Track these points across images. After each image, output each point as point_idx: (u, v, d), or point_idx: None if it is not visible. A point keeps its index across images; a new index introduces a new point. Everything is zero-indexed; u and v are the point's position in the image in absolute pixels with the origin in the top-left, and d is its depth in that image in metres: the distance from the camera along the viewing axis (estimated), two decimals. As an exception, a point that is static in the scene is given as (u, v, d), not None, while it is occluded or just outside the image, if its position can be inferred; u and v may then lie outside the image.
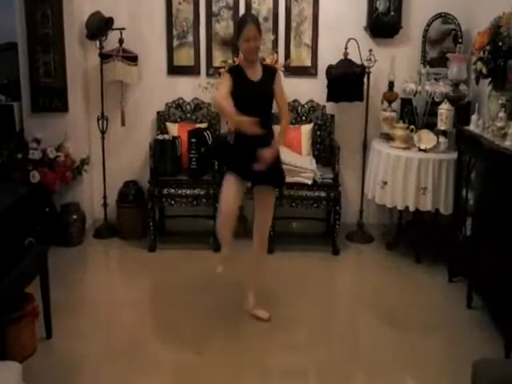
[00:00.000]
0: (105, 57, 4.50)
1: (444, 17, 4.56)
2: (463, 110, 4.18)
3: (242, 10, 4.64)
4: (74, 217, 4.50)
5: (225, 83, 3.24)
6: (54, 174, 4.31)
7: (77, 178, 4.55)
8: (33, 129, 4.52)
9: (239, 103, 3.19)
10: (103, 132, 4.67)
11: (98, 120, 4.65)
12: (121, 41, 4.51)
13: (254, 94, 3.22)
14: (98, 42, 4.50)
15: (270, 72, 3.32)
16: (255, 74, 3.27)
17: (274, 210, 3.45)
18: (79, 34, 4.53)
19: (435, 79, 4.48)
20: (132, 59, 4.54)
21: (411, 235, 4.51)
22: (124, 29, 4.50)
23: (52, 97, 4.53)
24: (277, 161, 3.29)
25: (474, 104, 4.04)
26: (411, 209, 4.14)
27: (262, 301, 3.54)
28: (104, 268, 4.49)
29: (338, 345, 3.27)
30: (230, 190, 3.26)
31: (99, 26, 4.39)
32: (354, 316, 3.73)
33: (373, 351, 3.21)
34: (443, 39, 4.66)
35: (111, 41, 4.52)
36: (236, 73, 3.27)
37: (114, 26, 4.46)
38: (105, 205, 4.74)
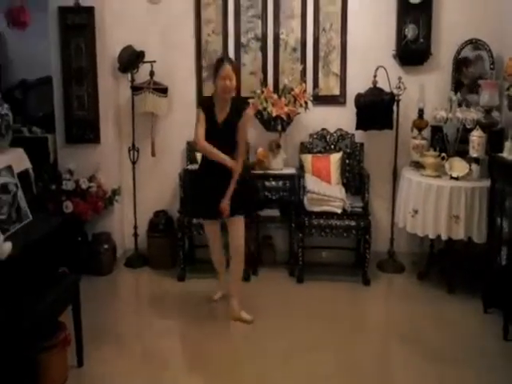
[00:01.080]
0: (136, 89, 4.60)
1: (475, 43, 4.52)
2: (496, 136, 4.12)
3: (270, 41, 4.71)
4: (106, 246, 4.56)
5: (200, 122, 3.60)
6: (87, 205, 4.38)
7: (108, 207, 4.61)
8: (66, 160, 4.62)
9: (207, 135, 3.59)
10: (134, 162, 4.74)
11: (129, 151, 4.73)
12: (151, 73, 4.60)
13: (216, 135, 3.57)
14: (129, 75, 4.61)
15: (238, 109, 3.59)
16: (222, 113, 3.58)
17: (243, 231, 3.75)
18: (111, 67, 4.65)
19: (467, 105, 4.43)
20: (162, 91, 4.63)
21: (443, 264, 4.43)
22: (155, 61, 4.60)
23: (85, 129, 4.63)
24: (237, 191, 3.60)
25: (506, 130, 3.98)
26: (443, 238, 4.07)
27: (291, 329, 3.50)
28: (134, 297, 4.51)
29: (368, 377, 3.20)
30: (213, 237, 3.92)
31: (131, 60, 4.50)
32: (384, 348, 3.65)
33: (403, 383, 3.13)
34: (474, 66, 4.63)
35: (142, 73, 4.63)
36: (206, 106, 3.62)
37: (145, 59, 4.56)
38: (135, 234, 4.78)
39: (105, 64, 4.59)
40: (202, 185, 3.70)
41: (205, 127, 3.59)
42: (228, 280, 3.92)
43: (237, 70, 3.58)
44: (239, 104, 3.67)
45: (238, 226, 3.70)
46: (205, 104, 3.68)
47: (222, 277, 4.11)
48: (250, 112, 3.71)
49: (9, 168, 3.10)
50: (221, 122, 3.58)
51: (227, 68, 3.51)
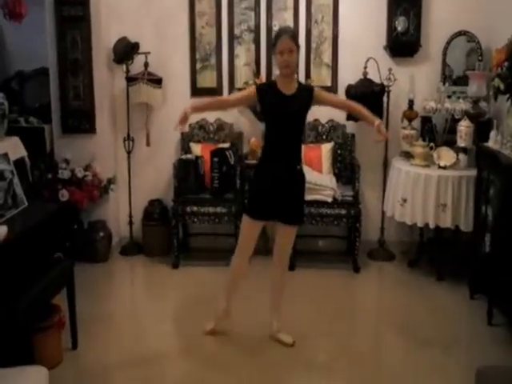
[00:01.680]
0: (131, 80, 4.67)
1: (464, 35, 4.59)
2: (483, 126, 4.20)
3: (263, 33, 4.78)
4: (101, 234, 4.64)
5: (243, 94, 3.32)
6: (82, 193, 4.46)
7: (104, 196, 4.70)
8: (62, 150, 4.70)
9: (271, 120, 3.18)
10: (129, 152, 4.82)
11: (124, 141, 4.81)
12: (146, 64, 4.67)
13: (284, 108, 3.12)
14: (124, 66, 4.67)
15: (305, 90, 3.21)
16: (289, 89, 3.14)
17: (294, 241, 3.40)
18: (107, 58, 4.72)
19: (459, 97, 4.51)
20: (157, 82, 4.70)
21: (432, 253, 4.52)
22: (149, 53, 4.67)
23: (81, 119, 4.71)
24: (300, 197, 3.29)
25: (493, 121, 4.06)
26: (431, 226, 4.15)
27: (282, 318, 3.58)
28: (129, 283, 4.61)
29: (358, 362, 3.28)
30: (248, 235, 3.30)
31: (126, 51, 4.57)
32: (375, 333, 3.74)
33: (394, 368, 3.21)
34: (468, 58, 4.70)
35: (137, 64, 4.70)
36: (266, 88, 3.20)
37: (140, 51, 4.63)
38: (130, 223, 4.87)
39: (100, 55, 4.66)
40: (260, 183, 3.28)
41: (241, 99, 3.30)
42: (271, 296, 3.52)
43: (297, 41, 3.13)
44: (307, 87, 3.32)
45: (291, 236, 3.34)
46: (264, 85, 3.38)
47: (232, 295, 3.53)
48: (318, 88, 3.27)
49: (4, 155, 3.18)
50: (289, 95, 3.13)
51: (285, 40, 3.06)
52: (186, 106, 3.24)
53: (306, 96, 3.17)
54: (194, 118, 4.85)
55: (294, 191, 3.24)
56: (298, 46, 3.13)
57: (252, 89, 3.23)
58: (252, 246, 3.34)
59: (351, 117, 4.58)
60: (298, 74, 4.64)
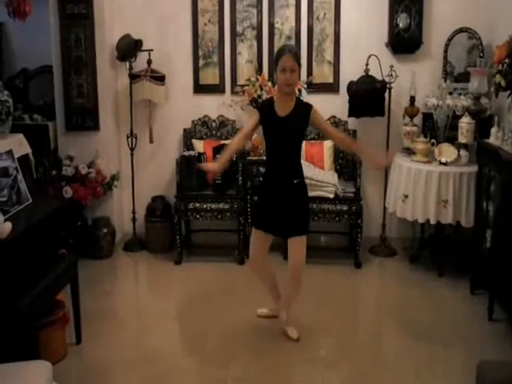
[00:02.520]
0: (134, 77, 4.70)
1: (465, 31, 4.60)
2: (484, 123, 4.21)
3: (265, 30, 4.81)
4: (105, 230, 4.68)
5: (250, 121, 3.36)
6: (86, 190, 4.50)
7: (107, 193, 4.73)
8: (66, 147, 4.74)
9: (268, 139, 3.30)
10: (132, 149, 4.86)
11: (128, 138, 4.84)
12: (149, 61, 4.71)
13: (279, 130, 3.20)
14: (127, 63, 4.70)
15: (302, 108, 3.22)
16: (284, 109, 3.20)
17: (305, 250, 3.36)
18: (110, 56, 4.75)
19: (460, 94, 4.52)
20: (159, 79, 4.73)
21: (433, 248, 4.54)
22: (152, 50, 4.70)
23: (84, 116, 4.75)
24: (299, 210, 3.30)
25: (495, 117, 4.07)
26: (432, 222, 4.17)
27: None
28: (132, 279, 4.65)
29: (360, 357, 3.30)
30: (256, 244, 3.40)
31: (129, 48, 4.61)
32: (376, 328, 3.76)
33: (396, 363, 3.24)
34: (469, 54, 4.71)
35: (140, 62, 4.73)
36: (266, 108, 3.27)
37: (143, 48, 4.66)
38: (134, 219, 4.91)
39: (103, 53, 4.69)
40: (264, 197, 3.39)
41: (252, 128, 3.30)
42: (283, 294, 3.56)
43: (299, 60, 3.17)
44: (305, 105, 3.27)
45: (301, 246, 3.33)
46: (263, 105, 3.45)
47: (272, 290, 3.61)
48: (315, 109, 3.24)
49: (9, 152, 3.22)
50: (283, 116, 3.19)
51: (287, 58, 3.10)
52: (214, 166, 3.30)
53: (302, 116, 3.21)
54: (196, 115, 4.89)
55: (291, 205, 3.28)
56: (299, 66, 3.17)
57: (256, 113, 3.33)
58: (261, 256, 3.44)
59: (353, 113, 4.61)
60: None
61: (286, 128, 3.20)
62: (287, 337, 3.44)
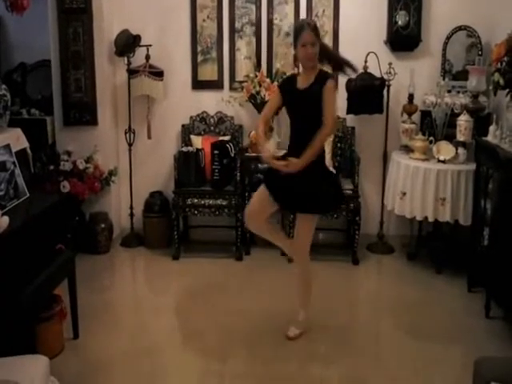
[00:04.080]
0: (132, 72, 4.69)
1: (464, 29, 4.60)
2: (483, 121, 4.22)
3: (263, 26, 4.80)
4: (102, 226, 4.67)
5: (272, 100, 3.35)
6: (84, 185, 4.49)
7: (105, 188, 4.73)
8: (64, 141, 4.73)
9: (288, 113, 3.31)
10: (130, 144, 4.85)
11: (126, 133, 4.83)
12: (147, 57, 4.69)
13: (297, 103, 3.21)
14: (125, 59, 4.69)
15: (321, 79, 3.16)
16: (305, 82, 3.20)
17: (310, 232, 3.29)
18: (108, 51, 4.73)
19: (458, 92, 4.53)
20: (158, 74, 4.72)
21: (431, 246, 4.55)
22: (151, 45, 4.69)
23: (82, 111, 4.73)
24: (314, 187, 3.18)
25: (493, 115, 4.08)
26: (430, 219, 4.18)
27: (282, 309, 3.62)
28: (130, 275, 4.66)
29: (358, 354, 3.31)
30: (257, 199, 3.33)
31: (127, 43, 4.59)
32: (374, 325, 3.76)
33: (393, 360, 3.24)
34: (467, 52, 4.71)
35: (138, 57, 4.71)
36: (286, 83, 3.33)
37: (141, 43, 4.65)
38: (131, 214, 4.90)
39: (102, 48, 4.67)
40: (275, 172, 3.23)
41: (274, 106, 3.31)
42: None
43: (319, 34, 3.17)
44: (325, 75, 3.21)
45: (305, 225, 3.27)
46: (284, 81, 3.44)
47: (281, 241, 3.52)
48: (330, 83, 3.14)
49: (6, 146, 3.21)
50: (302, 89, 3.19)
51: (307, 33, 3.11)
52: (267, 155, 3.21)
53: (319, 86, 3.14)
54: (195, 111, 4.88)
55: (307, 180, 3.16)
56: (319, 38, 3.18)
57: (277, 90, 3.33)
58: (258, 212, 3.31)
59: (351, 110, 4.61)
60: (298, 67, 4.66)
61: (305, 99, 3.18)
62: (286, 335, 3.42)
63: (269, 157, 3.20)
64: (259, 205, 3.31)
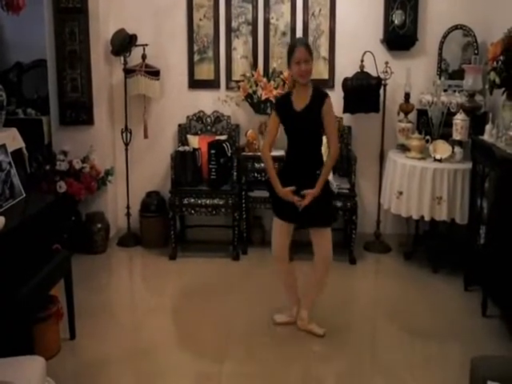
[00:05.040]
0: (128, 72, 4.68)
1: (460, 29, 4.61)
2: (479, 120, 4.22)
3: (260, 26, 4.80)
4: (99, 225, 4.66)
5: (271, 126, 3.36)
6: (80, 185, 4.48)
7: (101, 188, 4.72)
8: (60, 141, 4.72)
9: (288, 133, 3.33)
10: (127, 144, 4.84)
11: (122, 132, 4.82)
12: (144, 56, 4.68)
13: (296, 125, 3.26)
14: (122, 58, 4.68)
15: (319, 98, 3.23)
16: (301, 102, 3.24)
17: (331, 243, 3.39)
18: (104, 50, 4.72)
19: (454, 91, 4.53)
20: (154, 74, 4.71)
21: (428, 245, 4.55)
22: (147, 45, 4.68)
23: (79, 111, 4.73)
24: (322, 198, 3.27)
25: (489, 114, 4.08)
26: (426, 218, 4.18)
27: (279, 308, 3.62)
28: (127, 275, 4.65)
29: (355, 353, 3.31)
30: (278, 233, 3.43)
31: (123, 43, 4.59)
32: (371, 324, 3.76)
33: (390, 359, 3.24)
34: (464, 51, 4.71)
35: (135, 56, 4.71)
36: (282, 103, 3.33)
37: (138, 43, 4.64)
38: (128, 214, 4.89)
39: (98, 47, 4.66)
40: (283, 184, 3.31)
41: (274, 133, 3.35)
42: (304, 293, 3.54)
43: (311, 52, 3.24)
44: (321, 94, 3.26)
45: (326, 237, 3.36)
46: (279, 102, 3.42)
47: (290, 290, 3.59)
48: (328, 103, 3.22)
49: (2, 146, 3.20)
50: (300, 110, 3.23)
51: (300, 50, 3.18)
52: (287, 193, 3.26)
53: (317, 107, 3.22)
54: (191, 111, 4.88)
55: (319, 197, 3.26)
56: (312, 57, 3.25)
57: (273, 114, 3.35)
58: (284, 245, 3.46)
59: (348, 109, 4.61)
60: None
61: (304, 122, 3.24)
62: (312, 333, 3.43)
63: (286, 192, 3.25)
64: (282, 237, 3.43)
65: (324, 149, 4.31)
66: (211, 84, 4.89)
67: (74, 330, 3.37)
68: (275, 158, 4.49)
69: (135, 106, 4.85)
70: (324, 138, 3.40)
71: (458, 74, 4.59)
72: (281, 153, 3.97)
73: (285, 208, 3.32)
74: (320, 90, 3.33)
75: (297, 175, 3.30)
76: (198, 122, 4.88)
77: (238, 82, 4.75)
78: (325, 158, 3.40)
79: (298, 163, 3.32)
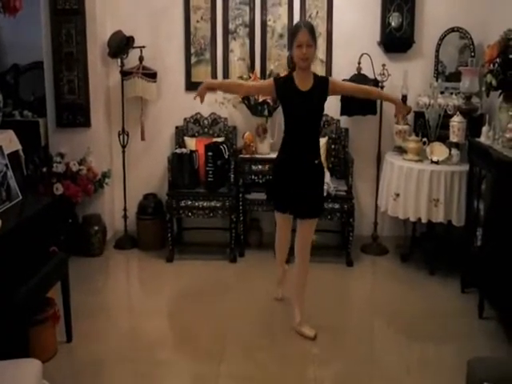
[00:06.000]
0: (125, 74, 4.67)
1: (457, 31, 4.62)
2: (476, 122, 4.24)
3: (257, 28, 4.80)
4: (96, 228, 4.65)
5: (258, 81, 3.40)
6: (77, 187, 4.47)
7: (98, 190, 4.70)
8: (57, 143, 4.71)
9: (289, 115, 3.24)
10: (124, 146, 4.83)
11: (119, 135, 4.81)
12: (141, 58, 4.68)
13: (301, 105, 3.18)
14: (119, 60, 4.67)
15: (321, 82, 3.23)
16: (305, 84, 3.19)
17: (313, 232, 3.47)
18: (101, 52, 4.71)
19: (451, 93, 4.54)
20: (151, 76, 4.71)
21: (425, 247, 4.56)
22: (144, 47, 4.68)
23: (75, 113, 4.71)
24: (318, 191, 3.36)
25: (486, 116, 4.09)
26: (423, 220, 4.19)
27: (277, 311, 3.61)
28: (123, 277, 4.64)
29: (352, 355, 3.31)
30: (281, 227, 3.52)
31: (120, 45, 4.58)
32: (367, 326, 3.76)
33: (386, 361, 3.25)
34: (460, 54, 4.72)
35: (132, 58, 4.70)
36: (283, 82, 3.24)
37: (135, 45, 4.64)
38: (125, 217, 4.88)
39: (95, 49, 4.65)
40: (280, 175, 3.35)
41: (259, 86, 3.49)
42: (290, 282, 3.66)
43: (315, 35, 3.16)
44: (323, 78, 3.31)
45: (310, 228, 3.40)
46: (280, 78, 3.37)
47: (281, 276, 3.86)
48: (333, 79, 3.32)
49: (-1, 149, 3.19)
50: (306, 91, 3.17)
51: (303, 33, 3.09)
52: (204, 83, 3.35)
53: (322, 89, 3.20)
54: (189, 113, 4.87)
55: (312, 185, 3.30)
56: (315, 41, 3.17)
57: (269, 80, 3.33)
58: (286, 238, 3.57)
59: (345, 111, 4.61)
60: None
61: (310, 103, 3.18)
62: (304, 336, 3.41)
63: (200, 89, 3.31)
64: (285, 228, 3.52)
65: (322, 150, 4.35)
66: (208, 86, 4.89)
67: (71, 333, 3.36)
68: (271, 160, 4.51)
69: (132, 108, 4.84)
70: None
71: (455, 77, 4.59)
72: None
73: (284, 199, 3.34)
74: (320, 76, 3.37)
75: (295, 164, 3.25)
76: (195, 124, 4.88)
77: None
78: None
79: (297, 151, 3.24)
